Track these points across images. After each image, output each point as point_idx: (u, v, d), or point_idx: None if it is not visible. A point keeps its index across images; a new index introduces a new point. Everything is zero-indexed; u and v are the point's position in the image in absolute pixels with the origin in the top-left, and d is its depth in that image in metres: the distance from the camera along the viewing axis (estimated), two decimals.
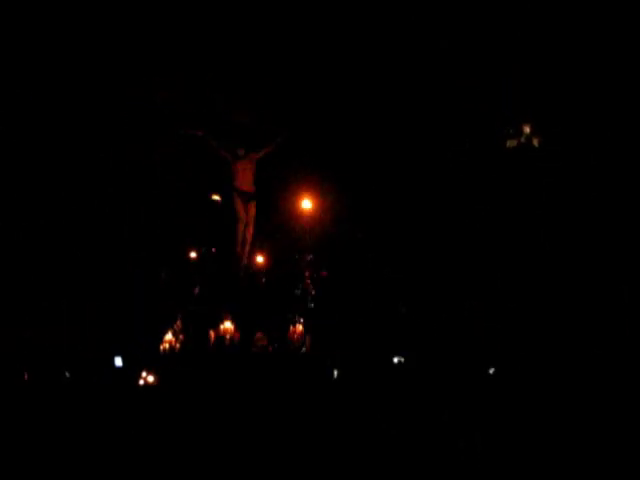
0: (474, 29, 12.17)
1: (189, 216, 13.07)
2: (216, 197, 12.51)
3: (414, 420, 9.79)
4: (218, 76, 12.22)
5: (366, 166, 13.05)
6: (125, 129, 12.16)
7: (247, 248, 12.84)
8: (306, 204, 11.57)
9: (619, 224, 11.26)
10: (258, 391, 10.36)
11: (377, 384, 10.80)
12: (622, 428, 9.10)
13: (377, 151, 12.97)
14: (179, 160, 12.96)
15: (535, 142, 12.49)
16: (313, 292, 11.47)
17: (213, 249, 12.43)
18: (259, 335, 11.10)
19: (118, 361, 12.94)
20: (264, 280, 11.99)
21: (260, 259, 12.78)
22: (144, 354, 12.49)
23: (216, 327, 10.89)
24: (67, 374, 11.48)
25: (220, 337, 10.80)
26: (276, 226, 12.87)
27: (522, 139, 12.55)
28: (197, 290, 12.39)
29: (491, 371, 10.82)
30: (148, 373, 12.59)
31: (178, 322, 11.80)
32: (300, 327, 10.72)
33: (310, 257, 12.38)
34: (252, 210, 12.87)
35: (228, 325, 10.84)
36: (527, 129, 12.50)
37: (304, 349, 10.72)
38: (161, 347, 12.54)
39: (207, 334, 11.01)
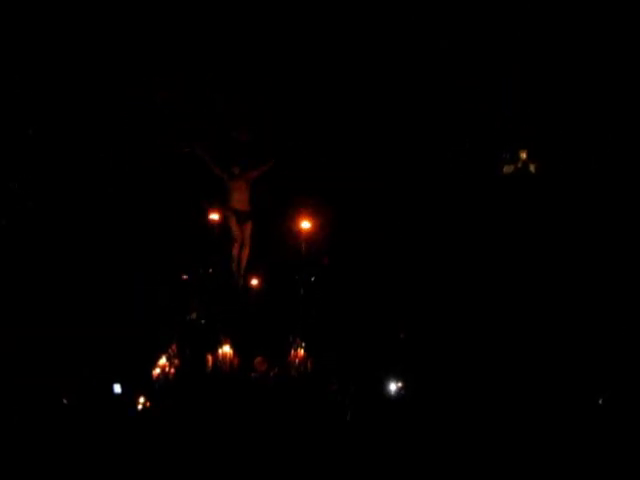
0: (471, 50, 12.20)
1: (184, 236, 12.77)
2: (214, 216, 12.13)
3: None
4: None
5: (364, 184, 12.92)
6: (124, 136, 11.86)
7: (243, 268, 12.54)
8: (305, 224, 11.24)
9: (613, 248, 11.47)
10: (258, 418, 10.03)
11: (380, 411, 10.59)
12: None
13: (376, 170, 12.87)
14: (173, 177, 12.72)
15: (532, 168, 12.65)
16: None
17: (209, 270, 12.01)
18: (259, 359, 10.72)
19: (117, 388, 12.55)
20: (262, 301, 11.62)
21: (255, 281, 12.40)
22: (142, 380, 12.06)
23: (214, 351, 10.48)
24: (65, 401, 11.10)
25: (218, 361, 10.39)
26: (273, 246, 12.59)
27: (519, 165, 12.68)
28: (193, 314, 11.99)
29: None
30: (145, 399, 12.14)
31: (173, 346, 11.35)
32: (302, 351, 10.34)
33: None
34: (248, 230, 12.61)
35: (227, 349, 10.43)
36: (524, 155, 12.62)
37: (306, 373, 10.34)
38: (154, 372, 12.10)
39: (204, 358, 10.59)
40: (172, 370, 11.52)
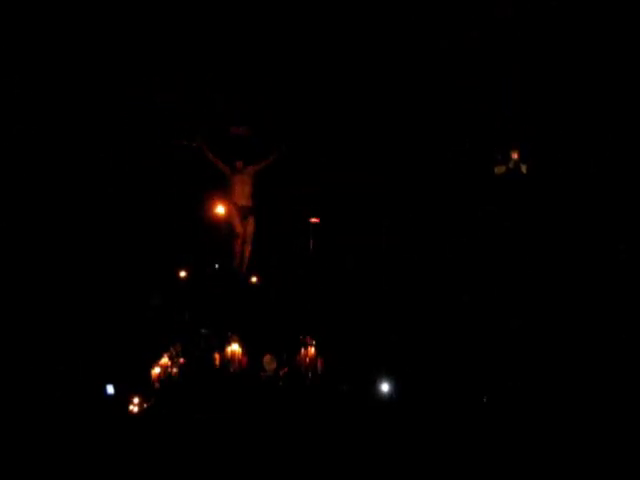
0: (467, 51, 12.14)
1: (184, 232, 12.48)
2: (220, 210, 11.81)
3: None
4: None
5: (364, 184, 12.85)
6: (123, 135, 11.56)
7: (245, 266, 12.21)
8: (314, 219, 10.98)
9: (605, 253, 11.35)
10: (267, 419, 9.75)
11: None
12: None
13: (372, 170, 12.78)
14: (174, 171, 12.41)
15: (523, 169, 12.45)
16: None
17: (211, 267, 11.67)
18: (268, 358, 10.41)
19: (110, 389, 12.18)
20: (270, 299, 11.31)
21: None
22: (136, 381, 11.72)
23: (222, 350, 10.14)
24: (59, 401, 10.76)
25: (226, 360, 10.06)
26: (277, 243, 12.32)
27: (510, 165, 12.47)
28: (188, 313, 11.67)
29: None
30: (140, 400, 11.77)
31: (177, 345, 10.99)
32: (312, 349, 10.05)
33: None
34: (251, 226, 12.26)
35: (235, 347, 10.10)
36: (515, 155, 12.41)
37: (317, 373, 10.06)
38: (153, 372, 11.75)
39: (212, 357, 10.25)
40: (174, 370, 11.16)
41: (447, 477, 9.69)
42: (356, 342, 10.99)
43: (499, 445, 9.72)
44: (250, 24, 11.70)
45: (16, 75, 10.65)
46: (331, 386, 10.10)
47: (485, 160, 12.67)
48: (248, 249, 12.18)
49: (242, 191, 12.12)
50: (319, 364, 10.18)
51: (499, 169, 12.65)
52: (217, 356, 10.24)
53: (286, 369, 10.29)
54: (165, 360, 11.32)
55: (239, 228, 12.14)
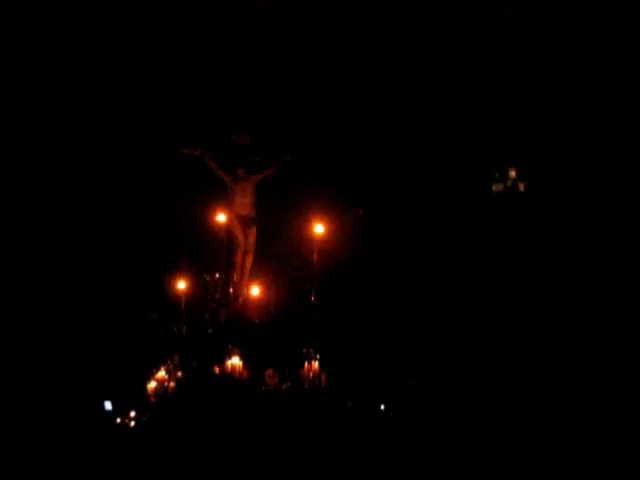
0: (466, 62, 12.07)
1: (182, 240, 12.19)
2: (221, 217, 11.48)
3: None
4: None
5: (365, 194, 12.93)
6: (124, 137, 11.35)
7: (246, 277, 11.86)
8: (318, 228, 10.63)
9: (601, 270, 11.64)
10: (269, 435, 9.38)
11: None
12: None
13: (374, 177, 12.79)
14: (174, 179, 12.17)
15: (521, 187, 12.72)
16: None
17: (217, 275, 11.31)
18: (270, 372, 10.03)
19: (108, 405, 11.80)
20: (271, 310, 10.95)
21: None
22: (134, 395, 11.32)
23: (222, 362, 9.76)
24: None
25: (226, 374, 9.68)
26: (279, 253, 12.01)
27: (508, 183, 12.74)
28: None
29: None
30: (137, 414, 11.34)
31: (175, 357, 10.59)
32: (316, 363, 9.66)
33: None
34: (252, 236, 11.97)
35: (236, 361, 9.71)
36: (513, 174, 12.71)
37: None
38: (149, 386, 11.33)
39: (211, 370, 9.86)
40: (172, 384, 10.75)
41: None
42: (362, 356, 10.64)
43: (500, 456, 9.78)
44: (251, 27, 11.65)
45: (17, 76, 10.76)
46: (336, 403, 9.71)
47: (483, 178, 12.73)
48: (249, 260, 11.89)
49: (243, 200, 11.92)
50: (323, 379, 9.78)
51: (497, 187, 12.78)
52: (217, 369, 9.84)
53: (289, 384, 9.88)
54: (162, 373, 10.90)
55: (240, 238, 11.86)
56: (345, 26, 11.94)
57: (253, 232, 11.94)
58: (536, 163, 12.57)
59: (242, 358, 9.97)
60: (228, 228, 11.86)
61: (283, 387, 9.91)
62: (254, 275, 11.70)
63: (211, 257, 11.81)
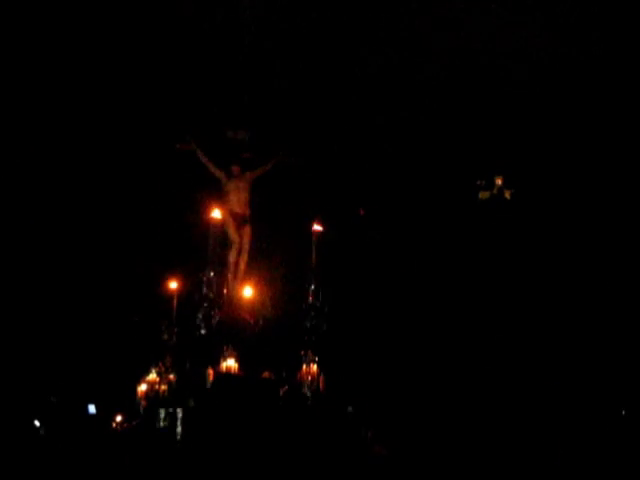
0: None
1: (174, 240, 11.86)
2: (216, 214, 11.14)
3: None
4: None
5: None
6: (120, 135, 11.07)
7: (240, 277, 11.50)
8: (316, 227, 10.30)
9: (588, 276, 11.95)
10: (266, 441, 9.03)
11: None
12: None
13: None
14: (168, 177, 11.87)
15: (507, 194, 12.94)
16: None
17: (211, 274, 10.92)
18: (266, 375, 9.67)
19: (92, 408, 11.46)
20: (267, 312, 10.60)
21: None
22: (120, 398, 10.98)
23: (217, 365, 9.39)
24: (38, 424, 10.06)
25: (221, 376, 9.31)
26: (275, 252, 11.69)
27: (494, 191, 12.97)
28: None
29: None
30: (124, 419, 10.99)
31: (167, 359, 10.21)
32: (314, 366, 9.31)
33: None
34: (247, 235, 11.61)
35: (231, 363, 9.35)
36: (499, 181, 12.94)
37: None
38: (139, 389, 10.96)
39: (206, 373, 9.49)
40: (162, 387, 10.37)
41: None
42: (362, 358, 10.34)
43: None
44: (250, 28, 11.43)
45: (17, 76, 10.71)
46: (335, 407, 9.38)
47: (469, 185, 13.07)
48: (244, 259, 11.56)
49: (238, 198, 11.68)
50: (321, 382, 9.44)
51: (483, 194, 12.75)
52: (211, 372, 9.46)
53: (286, 387, 9.52)
54: (153, 376, 10.53)
55: (234, 237, 11.51)
56: (344, 26, 11.78)
57: (248, 231, 11.62)
58: (522, 171, 12.74)
59: (237, 360, 9.59)
60: (222, 226, 11.50)
61: (280, 391, 9.54)
62: (249, 274, 11.37)
63: (204, 256, 11.44)
